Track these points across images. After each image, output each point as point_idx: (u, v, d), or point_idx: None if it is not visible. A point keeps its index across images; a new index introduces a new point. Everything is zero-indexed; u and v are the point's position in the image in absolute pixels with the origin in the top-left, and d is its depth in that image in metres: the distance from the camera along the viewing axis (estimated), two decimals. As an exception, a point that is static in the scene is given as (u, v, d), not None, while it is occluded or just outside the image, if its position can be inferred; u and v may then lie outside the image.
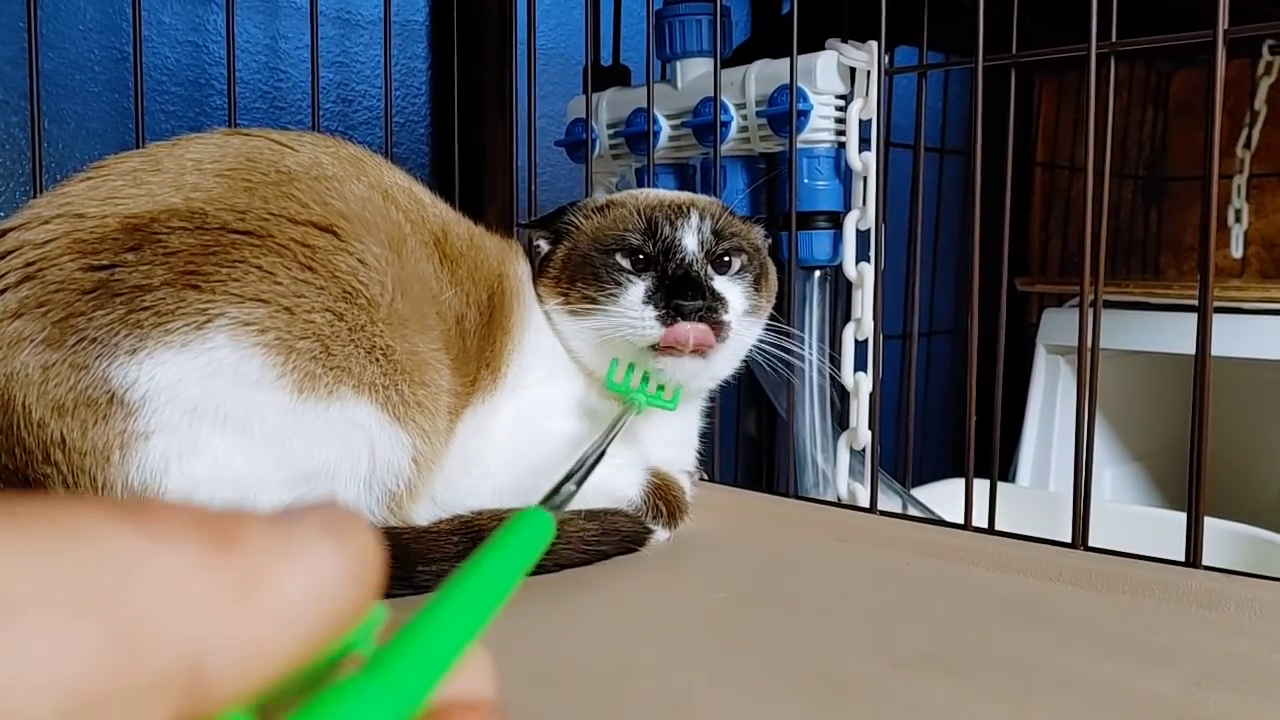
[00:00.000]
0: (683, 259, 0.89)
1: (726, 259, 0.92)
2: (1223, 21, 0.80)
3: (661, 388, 0.89)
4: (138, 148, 0.95)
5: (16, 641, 0.15)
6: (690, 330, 0.86)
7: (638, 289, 0.88)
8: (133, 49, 1.07)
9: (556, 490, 0.51)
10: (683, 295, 0.86)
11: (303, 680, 0.19)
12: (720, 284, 0.90)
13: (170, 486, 0.67)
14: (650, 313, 0.87)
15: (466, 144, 1.37)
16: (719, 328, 0.87)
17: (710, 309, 0.87)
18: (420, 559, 0.74)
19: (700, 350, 0.87)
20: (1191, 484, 0.83)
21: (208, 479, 0.68)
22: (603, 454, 0.67)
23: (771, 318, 0.97)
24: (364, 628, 0.20)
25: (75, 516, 0.17)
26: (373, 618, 0.20)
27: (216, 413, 0.68)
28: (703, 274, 0.89)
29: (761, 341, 0.94)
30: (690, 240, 0.90)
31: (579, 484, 0.56)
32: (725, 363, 0.93)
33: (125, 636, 0.16)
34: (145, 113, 1.07)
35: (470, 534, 0.78)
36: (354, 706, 0.18)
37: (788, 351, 0.94)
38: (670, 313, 0.86)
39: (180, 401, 0.67)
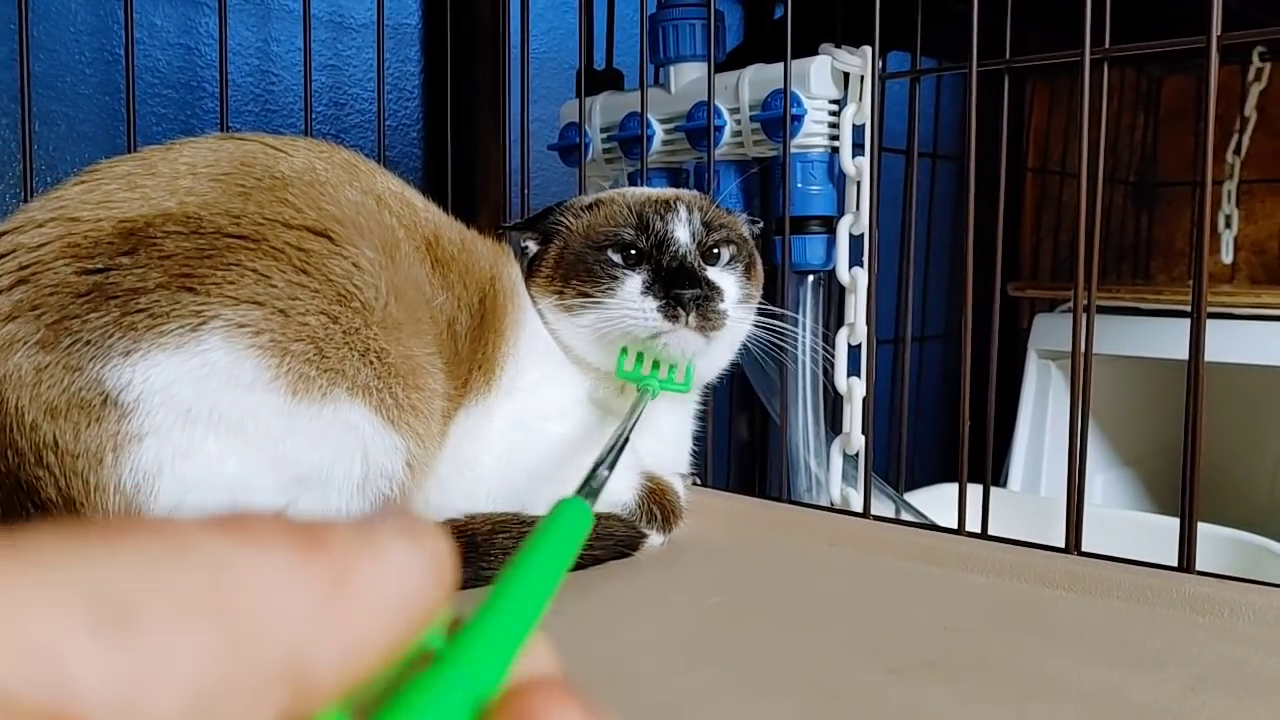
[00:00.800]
0: (676, 251, 0.90)
1: (716, 251, 0.93)
2: (1216, 27, 0.80)
3: (673, 371, 0.90)
4: (129, 151, 0.95)
5: (141, 647, 0.16)
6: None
7: (634, 281, 0.89)
8: (124, 52, 1.06)
9: (589, 479, 0.52)
10: (680, 285, 0.87)
11: (384, 679, 0.20)
12: (713, 274, 0.92)
13: (163, 489, 0.67)
14: (651, 304, 0.88)
15: (459, 148, 1.36)
16: (716, 316, 0.88)
17: (706, 298, 0.88)
18: None
19: (700, 328, 0.88)
20: (1185, 489, 0.83)
21: (200, 481, 0.68)
22: (627, 439, 0.67)
23: (762, 307, 0.97)
24: (433, 625, 0.22)
25: (177, 530, 0.18)
26: (440, 615, 0.22)
27: (210, 415, 0.67)
28: (696, 265, 0.90)
29: (755, 328, 0.95)
30: (682, 233, 0.91)
31: (610, 468, 0.56)
32: (722, 350, 0.95)
33: (235, 635, 0.17)
34: (137, 115, 1.07)
35: (463, 538, 0.78)
36: (435, 698, 0.19)
37: (780, 336, 0.95)
38: (670, 303, 0.87)
39: (174, 403, 0.66)
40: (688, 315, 0.87)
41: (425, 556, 0.21)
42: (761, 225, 1.04)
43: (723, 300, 0.90)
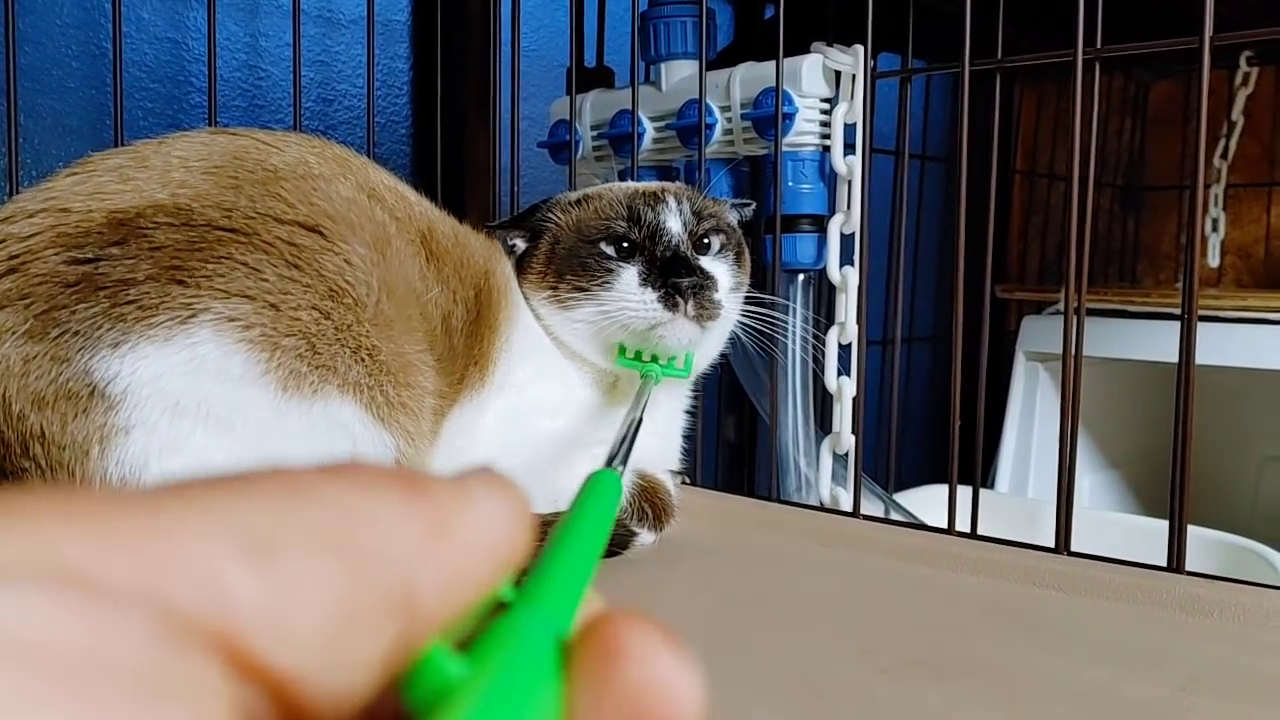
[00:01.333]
0: (670, 241, 0.90)
1: (707, 240, 0.93)
2: (1209, 28, 0.80)
3: (673, 358, 0.91)
4: (116, 145, 0.95)
5: (283, 572, 0.18)
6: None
7: (630, 273, 0.89)
8: (112, 45, 1.06)
9: (611, 459, 0.52)
10: (676, 274, 0.88)
11: (472, 621, 0.22)
12: (706, 263, 0.92)
13: (149, 483, 0.66)
14: (650, 294, 0.88)
15: (448, 145, 1.36)
16: (712, 306, 0.89)
17: (702, 286, 0.88)
18: None
19: (698, 317, 0.88)
20: (1174, 488, 0.83)
21: (187, 476, 0.67)
22: (639, 425, 0.67)
23: (750, 296, 0.97)
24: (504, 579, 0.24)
25: (300, 478, 0.20)
26: (508, 590, 0.24)
27: (198, 409, 0.67)
28: (689, 254, 0.90)
29: (745, 314, 0.95)
30: (673, 223, 0.91)
31: (624, 462, 0.56)
32: (716, 339, 0.95)
33: (357, 565, 0.19)
34: (124, 110, 1.06)
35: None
36: (523, 630, 0.21)
37: (771, 325, 0.96)
38: (669, 292, 0.87)
39: (162, 396, 0.66)
40: (686, 304, 0.87)
41: (509, 505, 0.23)
42: (753, 205, 1.04)
43: (717, 290, 0.90)
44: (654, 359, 0.90)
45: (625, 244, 0.90)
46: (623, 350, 0.90)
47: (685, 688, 0.21)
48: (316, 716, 0.19)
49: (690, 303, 0.87)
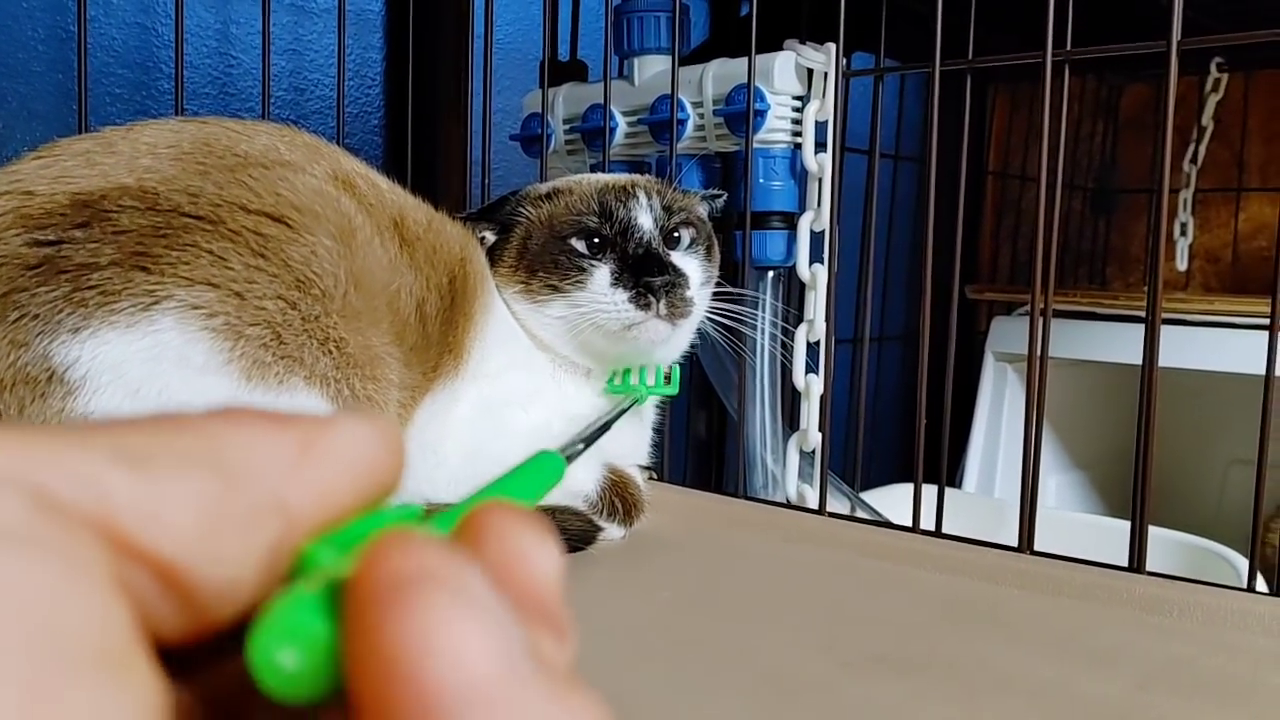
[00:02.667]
0: (641, 238, 0.90)
1: (677, 235, 0.94)
2: (1176, 32, 0.81)
3: (659, 373, 0.93)
4: (81, 130, 0.94)
5: (157, 478, 0.21)
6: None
7: (602, 272, 0.89)
8: (77, 29, 1.04)
9: (565, 447, 0.54)
10: (649, 273, 0.88)
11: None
12: (677, 258, 0.92)
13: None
14: (621, 295, 0.88)
15: (420, 137, 1.35)
16: (683, 304, 0.89)
17: (674, 284, 0.88)
18: None
19: (670, 315, 0.88)
20: (1136, 489, 0.84)
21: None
22: (608, 425, 0.68)
23: (719, 291, 0.98)
24: (402, 515, 0.25)
25: (175, 415, 0.23)
26: (409, 512, 0.26)
27: (159, 397, 0.66)
28: (661, 251, 0.90)
29: (713, 311, 0.96)
30: (645, 219, 0.91)
31: (586, 444, 0.57)
32: (686, 334, 0.95)
33: (228, 476, 0.22)
34: (90, 95, 1.05)
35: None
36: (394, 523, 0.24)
37: (740, 321, 0.96)
38: (641, 292, 0.87)
39: (122, 383, 0.65)
40: (658, 304, 0.87)
41: (374, 432, 0.25)
42: (724, 196, 1.04)
43: (689, 286, 0.90)
44: (642, 378, 0.91)
45: (596, 240, 0.90)
46: (611, 380, 0.91)
47: (538, 558, 0.24)
48: (205, 603, 0.22)
49: (662, 302, 0.87)
